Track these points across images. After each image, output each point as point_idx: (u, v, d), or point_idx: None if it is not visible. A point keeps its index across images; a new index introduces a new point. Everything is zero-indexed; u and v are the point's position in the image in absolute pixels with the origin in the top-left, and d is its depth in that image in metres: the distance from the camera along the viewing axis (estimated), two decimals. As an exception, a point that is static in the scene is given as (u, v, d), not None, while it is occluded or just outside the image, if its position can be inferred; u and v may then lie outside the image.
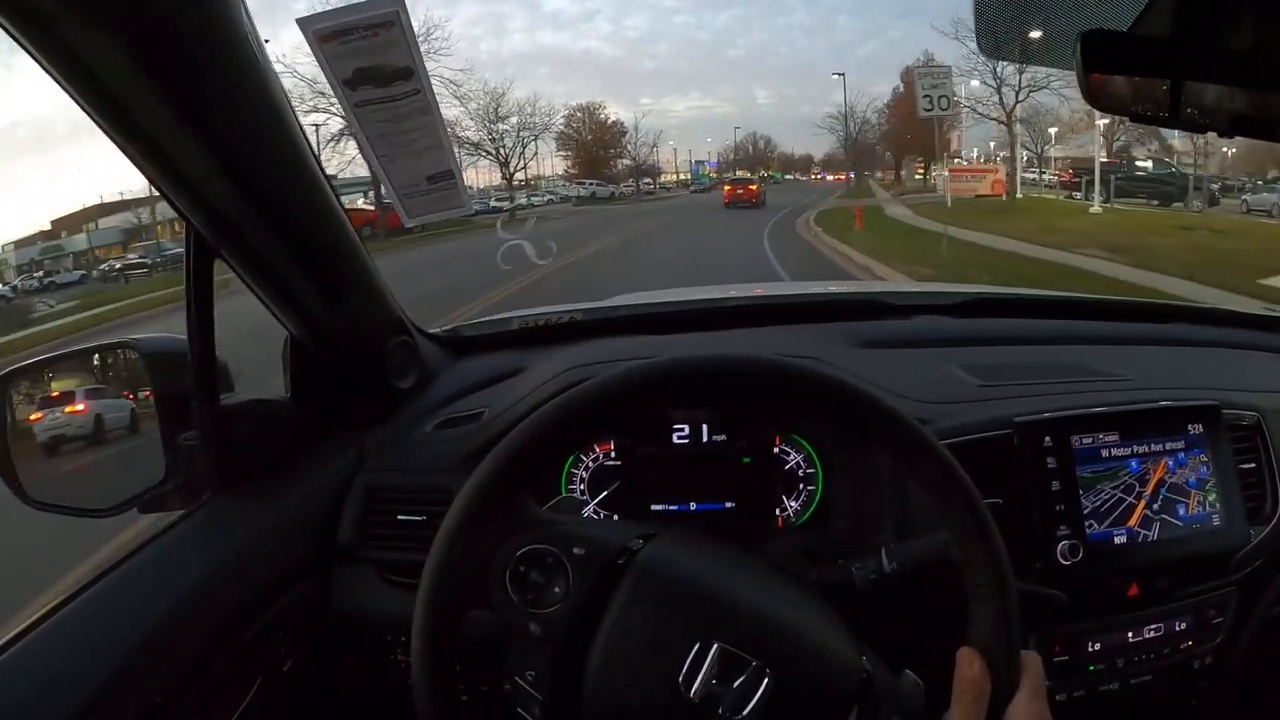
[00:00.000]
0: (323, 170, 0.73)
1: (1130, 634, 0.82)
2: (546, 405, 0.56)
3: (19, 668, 0.59)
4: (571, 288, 6.53)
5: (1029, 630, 0.79)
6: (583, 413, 0.56)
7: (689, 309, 1.26)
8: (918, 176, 40.34)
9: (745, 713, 0.49)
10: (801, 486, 0.89)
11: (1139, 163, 20.36)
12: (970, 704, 0.50)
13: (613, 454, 0.90)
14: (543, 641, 0.53)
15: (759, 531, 0.87)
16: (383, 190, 0.82)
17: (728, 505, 0.89)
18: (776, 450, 0.90)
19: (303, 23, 0.63)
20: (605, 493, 0.89)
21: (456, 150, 0.78)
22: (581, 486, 0.90)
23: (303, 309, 0.83)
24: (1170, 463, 0.82)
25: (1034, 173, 26.02)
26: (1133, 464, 0.81)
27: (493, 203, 23.49)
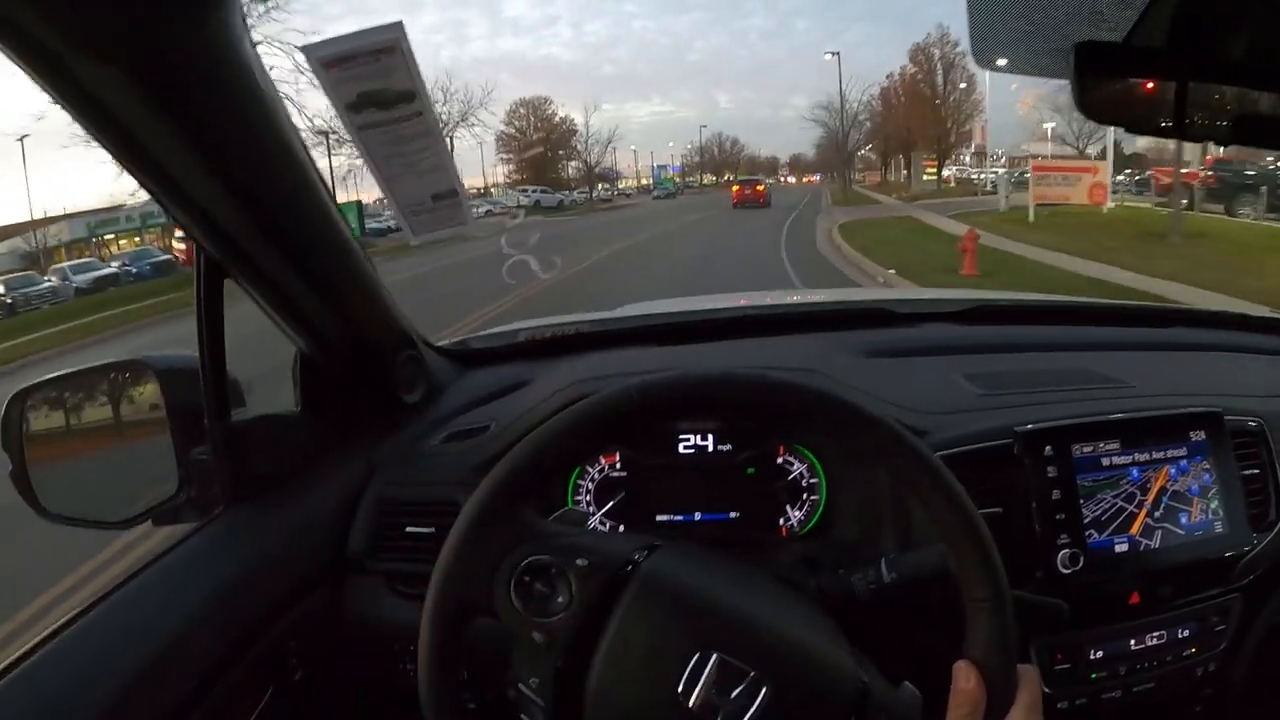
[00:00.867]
0: (328, 191, 0.74)
1: (1133, 641, 0.82)
2: (550, 421, 0.57)
3: (37, 676, 0.61)
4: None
5: (1030, 639, 0.79)
6: (585, 429, 0.57)
7: (694, 320, 1.27)
8: (928, 176, 36.23)
9: None
10: (805, 497, 0.90)
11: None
12: (965, 717, 0.51)
13: (618, 465, 0.91)
14: (546, 649, 0.54)
15: (763, 542, 0.88)
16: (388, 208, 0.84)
17: (732, 515, 0.90)
18: (780, 461, 0.90)
19: (307, 50, 0.64)
20: (611, 503, 0.90)
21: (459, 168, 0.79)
22: (588, 497, 0.91)
23: (312, 326, 0.85)
24: (1172, 470, 0.82)
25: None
26: (1134, 472, 0.81)
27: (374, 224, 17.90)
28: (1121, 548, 0.80)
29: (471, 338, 1.22)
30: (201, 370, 0.76)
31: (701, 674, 0.50)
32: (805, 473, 0.90)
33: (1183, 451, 0.83)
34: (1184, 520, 0.81)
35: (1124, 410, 0.85)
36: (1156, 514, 0.81)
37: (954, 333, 1.18)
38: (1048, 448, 0.81)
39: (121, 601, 0.69)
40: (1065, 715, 0.81)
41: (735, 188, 29.24)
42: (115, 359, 0.85)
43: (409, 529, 0.86)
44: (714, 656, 0.51)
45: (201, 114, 0.58)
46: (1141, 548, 0.80)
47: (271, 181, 0.68)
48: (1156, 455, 0.82)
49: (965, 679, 0.51)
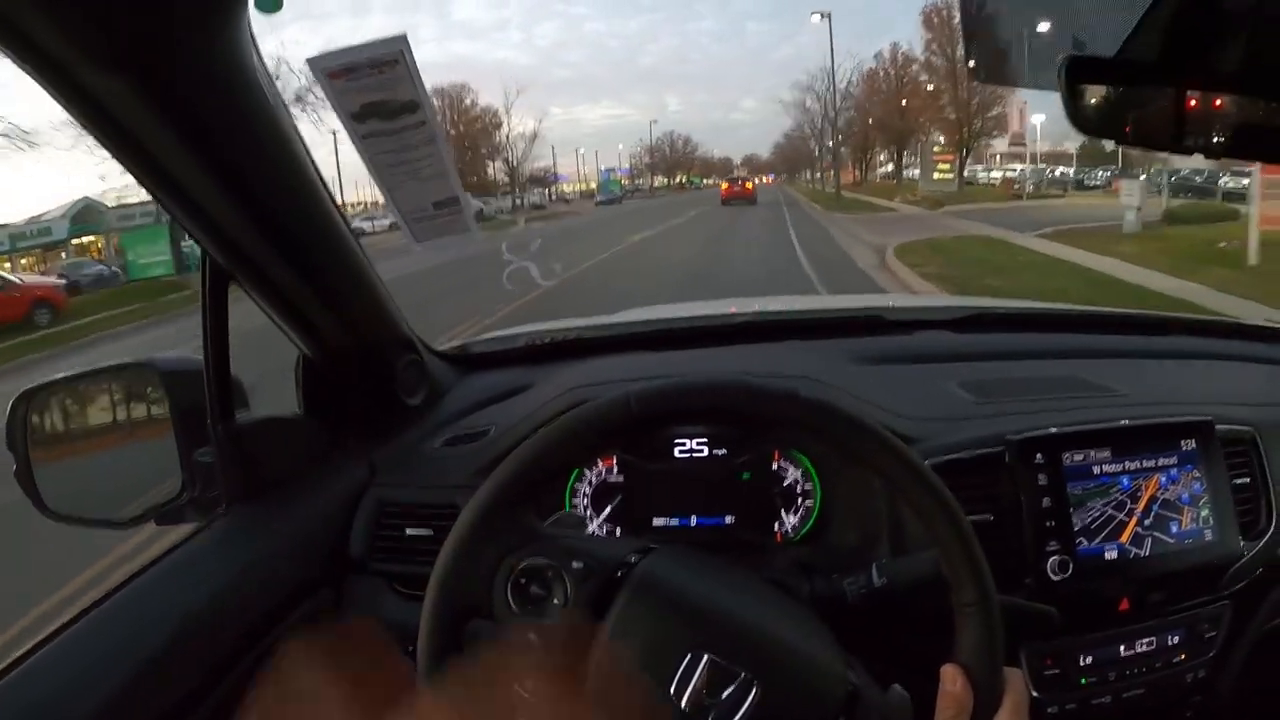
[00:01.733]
0: (331, 198, 0.76)
1: (1123, 648, 0.82)
2: (547, 427, 0.58)
3: (39, 675, 0.61)
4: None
5: (1021, 644, 0.80)
6: (581, 436, 0.58)
7: (692, 326, 1.28)
8: (940, 175, 27.14)
9: None
10: (800, 502, 0.91)
11: None
12: (952, 719, 0.52)
13: (615, 469, 0.92)
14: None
15: (758, 546, 0.89)
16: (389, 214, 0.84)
17: (728, 520, 0.91)
18: (775, 466, 0.91)
19: (312, 62, 0.66)
20: (608, 507, 0.91)
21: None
22: (585, 501, 0.92)
23: (315, 330, 0.86)
24: (1163, 479, 0.83)
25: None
26: (1124, 480, 0.82)
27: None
28: (1111, 555, 0.80)
29: (472, 342, 1.24)
30: (206, 372, 0.77)
31: (693, 675, 0.51)
32: (800, 478, 0.91)
33: (1173, 460, 0.84)
34: (1174, 528, 0.82)
35: (1116, 419, 0.85)
36: (1147, 522, 0.82)
37: (948, 340, 1.19)
38: (1039, 456, 0.81)
39: (124, 601, 0.70)
40: None
41: (724, 185, 33.17)
42: (121, 360, 0.86)
43: (409, 531, 0.87)
44: (705, 657, 0.52)
45: (209, 123, 0.59)
46: (1131, 555, 0.81)
47: (276, 189, 0.69)
48: (1147, 464, 0.83)
49: (952, 682, 0.53)
